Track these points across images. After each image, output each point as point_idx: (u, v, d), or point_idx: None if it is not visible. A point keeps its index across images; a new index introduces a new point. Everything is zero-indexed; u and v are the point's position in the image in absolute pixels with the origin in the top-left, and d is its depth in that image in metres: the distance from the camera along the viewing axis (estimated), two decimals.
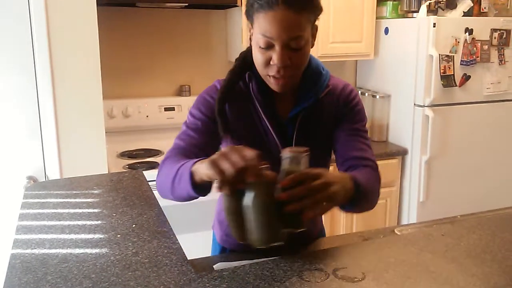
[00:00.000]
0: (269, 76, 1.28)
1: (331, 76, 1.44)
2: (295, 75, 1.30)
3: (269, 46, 1.22)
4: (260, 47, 1.24)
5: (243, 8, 2.66)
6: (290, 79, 1.29)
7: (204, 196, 1.18)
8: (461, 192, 3.10)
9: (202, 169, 1.06)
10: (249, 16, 1.28)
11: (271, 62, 1.24)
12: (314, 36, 1.30)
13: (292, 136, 1.39)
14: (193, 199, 1.22)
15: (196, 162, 1.14)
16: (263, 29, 1.21)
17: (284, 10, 1.18)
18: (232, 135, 1.39)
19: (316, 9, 1.27)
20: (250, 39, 1.33)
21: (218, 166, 0.99)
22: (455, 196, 3.08)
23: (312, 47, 1.31)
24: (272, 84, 1.30)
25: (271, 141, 1.38)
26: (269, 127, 1.37)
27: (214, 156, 1.03)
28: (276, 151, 1.37)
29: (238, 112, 1.39)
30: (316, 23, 1.31)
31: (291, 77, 1.29)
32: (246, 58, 1.39)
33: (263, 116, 1.37)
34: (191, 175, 1.13)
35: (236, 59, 1.42)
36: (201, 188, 1.15)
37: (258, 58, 1.27)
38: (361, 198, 1.22)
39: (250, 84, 1.38)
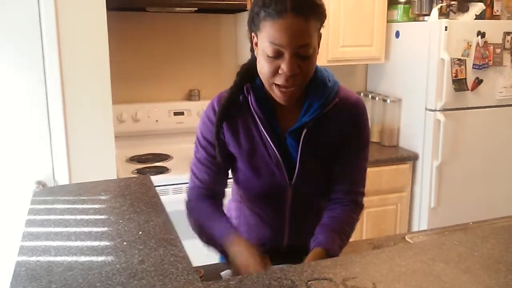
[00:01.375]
0: (276, 86, 1.25)
1: (339, 88, 1.39)
2: (301, 84, 1.27)
3: (277, 55, 1.20)
4: (268, 56, 1.21)
5: None
6: (296, 89, 1.26)
7: None
8: (473, 198, 3.05)
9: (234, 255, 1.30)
10: (254, 25, 1.25)
11: (279, 71, 1.21)
12: (318, 44, 1.28)
13: (294, 150, 1.36)
14: None
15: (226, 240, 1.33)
16: (271, 37, 1.18)
17: (293, 17, 1.16)
18: (234, 146, 1.39)
19: (322, 16, 1.25)
20: (253, 49, 1.32)
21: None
22: (466, 202, 3.03)
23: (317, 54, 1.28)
24: (278, 94, 1.26)
25: (272, 154, 1.36)
26: (269, 140, 1.34)
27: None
28: (275, 164, 1.36)
29: (237, 126, 1.38)
30: (321, 30, 1.29)
31: (298, 86, 1.26)
32: (247, 72, 1.37)
33: (262, 129, 1.34)
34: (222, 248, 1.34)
35: (237, 74, 1.38)
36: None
37: (264, 67, 1.23)
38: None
39: (249, 97, 1.35)
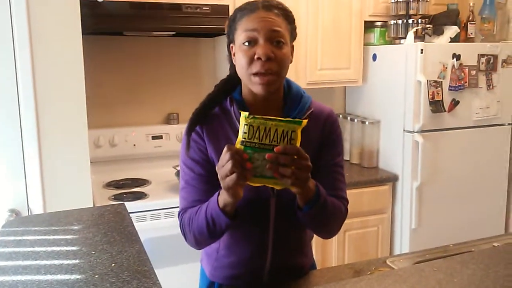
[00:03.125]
0: (253, 75, 1.30)
1: (312, 100, 1.46)
2: (277, 72, 1.32)
3: (252, 41, 1.29)
4: (243, 44, 1.30)
5: None
6: (273, 78, 1.31)
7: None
8: (453, 218, 3.07)
9: (224, 196, 1.22)
10: (232, 31, 1.35)
11: (255, 56, 1.28)
12: (292, 54, 1.37)
13: None
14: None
15: (212, 203, 1.27)
16: (246, 27, 1.30)
17: (264, 11, 1.31)
18: (215, 158, 1.38)
19: (291, 20, 1.36)
20: (232, 58, 1.39)
21: (225, 177, 1.15)
22: (447, 222, 3.04)
23: (290, 63, 1.36)
24: (256, 82, 1.31)
25: None
26: None
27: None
28: None
29: (218, 135, 1.39)
30: (294, 43, 1.39)
31: (274, 75, 1.31)
32: (226, 84, 1.43)
33: None
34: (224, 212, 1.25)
35: (215, 85, 1.45)
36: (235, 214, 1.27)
37: (241, 59, 1.31)
38: (319, 207, 1.27)
39: (232, 107, 1.39)
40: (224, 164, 1.15)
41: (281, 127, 1.14)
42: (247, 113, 1.15)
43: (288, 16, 1.35)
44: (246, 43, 1.30)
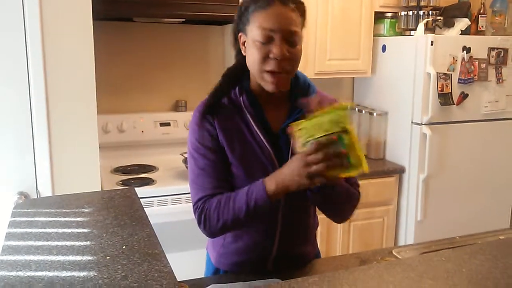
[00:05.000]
0: (266, 72, 1.30)
1: (318, 91, 1.46)
2: (290, 71, 1.33)
3: (268, 40, 1.27)
4: (258, 41, 1.28)
5: None
6: (286, 76, 1.32)
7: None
8: (459, 211, 3.07)
9: (284, 184, 1.25)
10: (242, 22, 1.34)
11: (270, 55, 1.28)
12: (300, 43, 1.36)
13: (286, 149, 1.37)
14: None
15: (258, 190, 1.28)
16: (263, 23, 1.27)
17: (280, 6, 1.28)
18: (227, 148, 1.38)
19: (303, 13, 1.35)
20: (240, 48, 1.38)
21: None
22: (452, 215, 3.04)
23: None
24: (269, 80, 1.31)
25: (266, 153, 1.37)
26: (263, 139, 1.36)
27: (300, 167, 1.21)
28: (270, 163, 1.35)
29: (228, 126, 1.39)
30: (303, 32, 1.37)
31: (287, 73, 1.31)
32: (233, 74, 1.42)
33: (255, 129, 1.36)
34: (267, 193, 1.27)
35: (223, 75, 1.44)
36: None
37: (255, 54, 1.30)
38: (331, 190, 1.29)
39: (241, 98, 1.38)
40: (314, 153, 1.18)
41: (327, 116, 1.19)
42: (296, 122, 1.23)
43: (301, 9, 1.34)
44: (262, 40, 1.28)
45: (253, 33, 1.30)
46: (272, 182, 1.27)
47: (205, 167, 1.39)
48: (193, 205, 1.40)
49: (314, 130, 1.19)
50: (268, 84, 1.32)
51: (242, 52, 1.38)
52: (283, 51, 1.27)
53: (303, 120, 1.22)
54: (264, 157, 1.37)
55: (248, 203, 1.29)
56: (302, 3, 1.35)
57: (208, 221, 1.35)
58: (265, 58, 1.29)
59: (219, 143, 1.39)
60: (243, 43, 1.36)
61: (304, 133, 1.20)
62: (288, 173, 1.24)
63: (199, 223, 1.38)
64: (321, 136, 1.18)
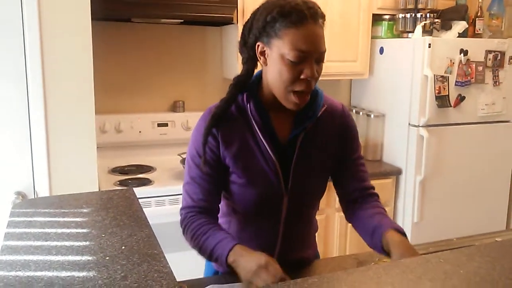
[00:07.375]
0: (294, 92, 1.28)
1: (324, 95, 1.44)
2: (312, 90, 1.32)
3: (301, 61, 1.24)
4: (291, 61, 1.24)
5: (239, 26, 2.66)
6: (309, 96, 1.32)
7: None
8: (456, 213, 3.08)
9: (241, 270, 1.24)
10: (269, 33, 1.27)
11: (302, 76, 1.25)
12: None
13: (291, 158, 1.37)
14: None
15: (230, 248, 1.27)
16: (296, 44, 1.23)
17: (312, 24, 1.25)
18: (229, 159, 1.37)
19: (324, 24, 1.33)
20: (252, 55, 1.33)
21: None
22: (449, 217, 3.05)
23: None
24: (294, 101, 1.29)
25: (270, 163, 1.36)
26: (268, 149, 1.35)
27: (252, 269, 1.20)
28: (274, 174, 1.35)
29: (233, 137, 1.36)
30: None
31: (310, 92, 1.31)
32: (243, 83, 1.37)
33: (262, 139, 1.35)
34: (226, 260, 1.27)
35: (233, 85, 1.38)
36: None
37: (285, 74, 1.26)
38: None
39: (248, 105, 1.35)
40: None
41: None
42: None
43: (324, 22, 1.31)
44: (295, 61, 1.24)
45: (284, 51, 1.25)
46: (234, 255, 1.27)
47: (196, 177, 1.39)
48: (180, 209, 1.44)
49: None
50: (291, 103, 1.30)
51: (260, 61, 1.33)
52: (313, 71, 1.26)
53: None
54: (268, 167, 1.36)
55: (211, 253, 1.32)
56: (324, 15, 1.32)
57: (186, 233, 1.41)
58: (296, 78, 1.26)
59: (219, 157, 1.37)
60: (262, 53, 1.31)
61: None
62: (248, 262, 1.23)
63: (181, 227, 1.43)
64: None
